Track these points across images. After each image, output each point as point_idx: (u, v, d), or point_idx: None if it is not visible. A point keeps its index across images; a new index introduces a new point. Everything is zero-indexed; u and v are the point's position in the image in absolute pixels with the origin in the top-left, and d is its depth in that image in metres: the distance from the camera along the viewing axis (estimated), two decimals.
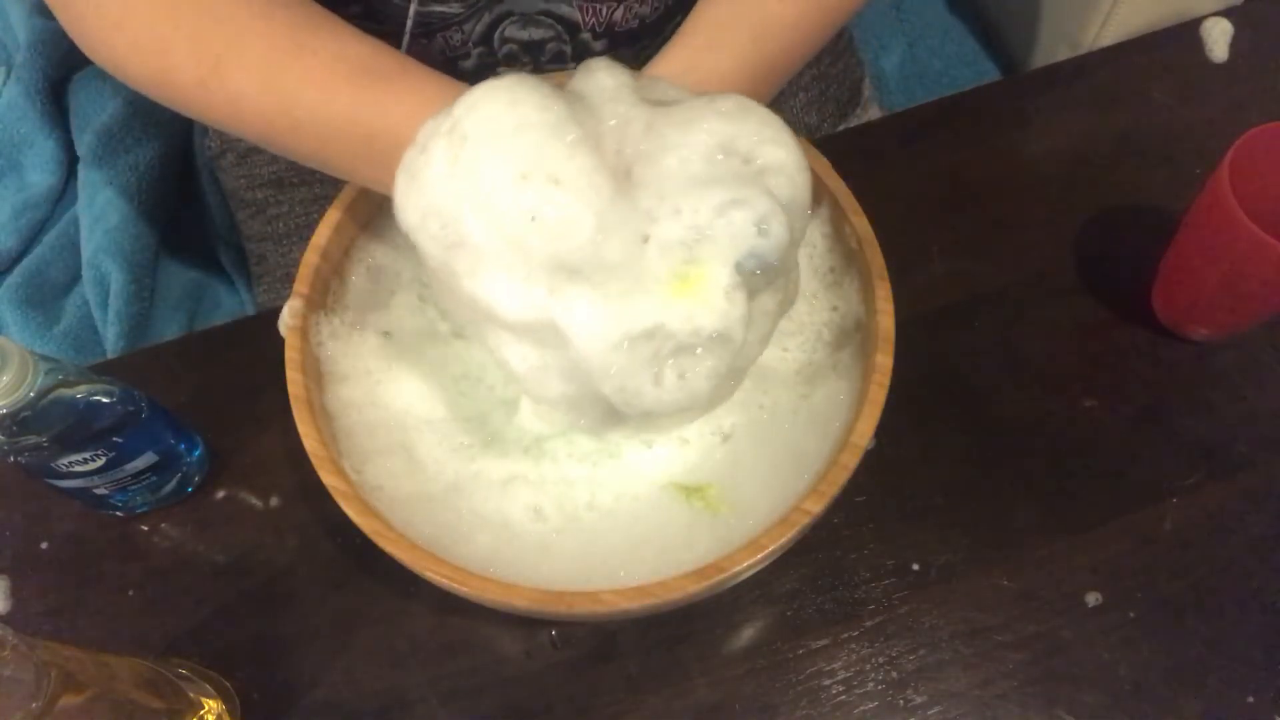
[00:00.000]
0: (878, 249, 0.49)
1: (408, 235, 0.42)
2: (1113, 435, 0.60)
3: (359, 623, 0.56)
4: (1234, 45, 0.73)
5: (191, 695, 0.49)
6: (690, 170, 0.40)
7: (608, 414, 0.43)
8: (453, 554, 0.43)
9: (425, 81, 0.46)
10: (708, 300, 0.39)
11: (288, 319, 0.47)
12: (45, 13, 0.90)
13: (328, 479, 0.44)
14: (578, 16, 0.60)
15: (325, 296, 0.50)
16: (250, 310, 0.84)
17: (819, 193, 0.52)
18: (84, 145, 0.84)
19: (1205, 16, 0.74)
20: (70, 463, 0.50)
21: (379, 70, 0.46)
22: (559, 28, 0.60)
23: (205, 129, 0.80)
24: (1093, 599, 0.55)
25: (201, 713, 0.49)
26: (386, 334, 0.51)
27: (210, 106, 0.48)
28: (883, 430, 0.45)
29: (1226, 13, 0.74)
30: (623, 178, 0.40)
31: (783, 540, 0.42)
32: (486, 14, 0.59)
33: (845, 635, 0.55)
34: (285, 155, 0.50)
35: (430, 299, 0.52)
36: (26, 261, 0.83)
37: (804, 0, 0.51)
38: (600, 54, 0.60)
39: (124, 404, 0.51)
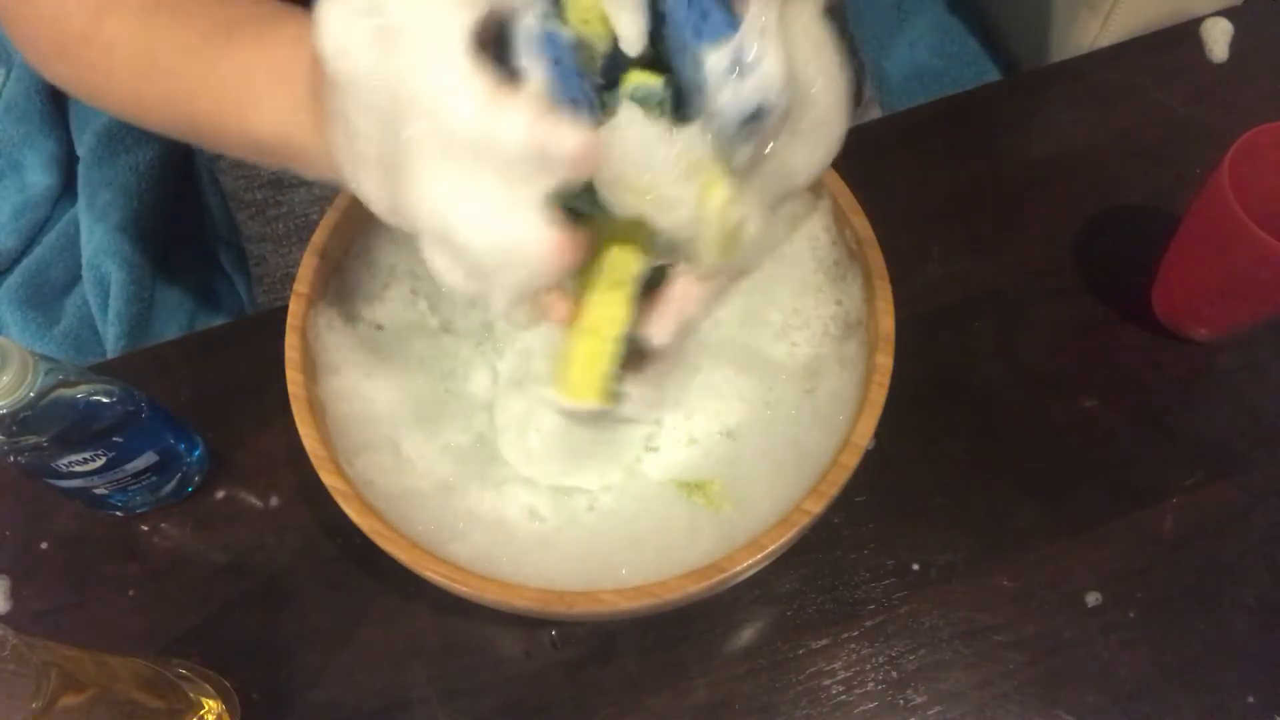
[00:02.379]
0: (878, 249, 0.49)
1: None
2: (1112, 435, 0.60)
3: (359, 623, 0.56)
4: (1234, 45, 0.73)
5: (191, 695, 0.49)
6: None
7: None
8: (449, 552, 0.43)
9: (289, 27, 0.43)
10: None
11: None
12: None
13: (328, 479, 0.44)
14: None
15: (323, 287, 0.50)
16: (250, 310, 0.84)
17: (818, 191, 0.52)
18: (84, 145, 0.84)
19: (1205, 16, 0.74)
20: (70, 463, 0.50)
21: (251, 18, 0.44)
22: None
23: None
24: (1093, 599, 0.55)
25: (201, 713, 0.49)
26: (379, 327, 0.51)
27: (89, 65, 0.48)
28: (883, 430, 0.45)
29: (1226, 13, 0.74)
30: None
31: (783, 540, 0.42)
32: None
33: (845, 635, 0.55)
34: (156, 118, 0.48)
35: (422, 291, 0.52)
36: (26, 261, 0.83)
37: None
38: None
39: (124, 404, 0.51)
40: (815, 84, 0.35)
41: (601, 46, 0.35)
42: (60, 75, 0.52)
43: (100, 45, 0.47)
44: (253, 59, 0.43)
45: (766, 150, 0.36)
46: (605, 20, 0.34)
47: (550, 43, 0.33)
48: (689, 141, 0.35)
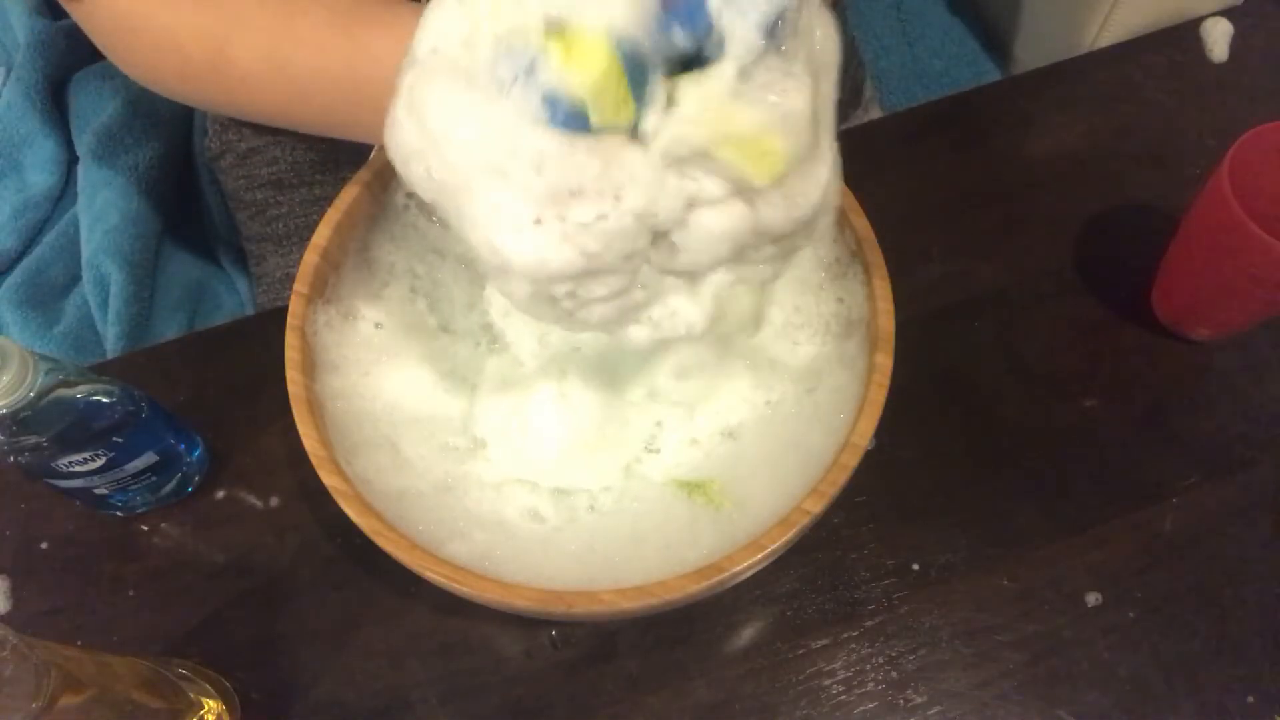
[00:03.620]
0: (878, 249, 0.49)
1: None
2: (1113, 435, 0.60)
3: (359, 623, 0.56)
4: (1234, 45, 0.73)
5: (191, 695, 0.49)
6: None
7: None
8: (449, 552, 0.43)
9: (408, 13, 0.44)
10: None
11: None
12: (45, 13, 0.90)
13: (328, 479, 0.44)
14: None
15: (322, 287, 0.50)
16: (250, 310, 0.84)
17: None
18: (84, 145, 0.84)
19: (1205, 16, 0.74)
20: (70, 463, 0.50)
21: (365, 14, 0.45)
22: None
23: (205, 129, 0.80)
24: (1093, 599, 0.55)
25: (201, 713, 0.49)
26: (378, 325, 0.51)
27: (225, 90, 0.49)
28: (883, 430, 0.45)
29: (1226, 13, 0.74)
30: None
31: (783, 540, 0.42)
32: None
33: (845, 635, 0.55)
34: (305, 128, 0.49)
35: (421, 290, 0.52)
36: (26, 261, 0.83)
37: None
38: None
39: (124, 404, 0.51)
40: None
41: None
42: (186, 97, 0.53)
43: (234, 74, 0.48)
44: (383, 48, 0.43)
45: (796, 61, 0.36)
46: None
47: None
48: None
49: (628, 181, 0.34)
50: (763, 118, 0.35)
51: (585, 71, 0.33)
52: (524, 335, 0.50)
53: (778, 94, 0.35)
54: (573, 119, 0.33)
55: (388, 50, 0.43)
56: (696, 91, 0.35)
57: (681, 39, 0.34)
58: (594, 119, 0.34)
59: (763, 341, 0.50)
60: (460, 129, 0.35)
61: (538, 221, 0.34)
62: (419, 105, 0.35)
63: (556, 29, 0.33)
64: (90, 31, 0.53)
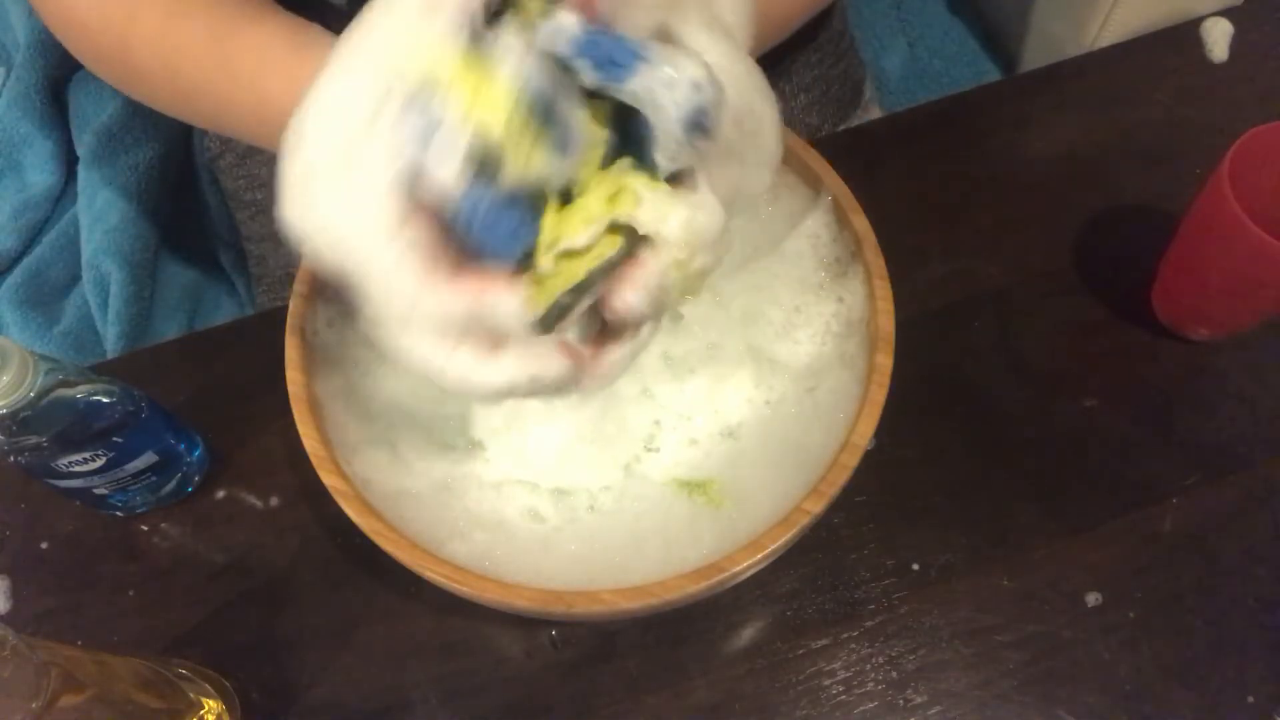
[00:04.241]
0: (878, 249, 0.49)
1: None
2: (1113, 435, 0.60)
3: (359, 623, 0.56)
4: (1234, 45, 0.73)
5: (191, 695, 0.49)
6: None
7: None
8: (449, 552, 0.43)
9: (278, 32, 0.44)
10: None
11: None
12: None
13: (328, 479, 0.44)
14: None
15: (322, 286, 0.50)
16: (250, 310, 0.84)
17: (819, 188, 0.52)
18: (83, 145, 0.84)
19: (1205, 16, 0.74)
20: (70, 463, 0.50)
21: (237, 29, 0.46)
22: None
23: (205, 129, 0.81)
24: (1093, 599, 0.55)
25: (201, 713, 0.49)
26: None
27: (129, 81, 0.51)
28: (883, 430, 0.45)
29: (1226, 13, 0.74)
30: None
31: (783, 540, 0.42)
32: None
33: (845, 635, 0.55)
34: (203, 127, 0.50)
35: None
36: (26, 261, 0.83)
37: None
38: None
39: (124, 404, 0.51)
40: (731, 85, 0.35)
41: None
42: (105, 76, 0.55)
43: (133, 65, 0.49)
44: (271, 32, 0.43)
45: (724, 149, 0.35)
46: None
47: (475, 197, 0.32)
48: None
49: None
50: (704, 259, 0.35)
51: (493, 111, 0.31)
52: None
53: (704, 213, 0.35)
54: (484, 169, 0.32)
55: (258, 74, 0.45)
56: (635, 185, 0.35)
57: (590, 75, 0.33)
58: (506, 167, 0.32)
59: (763, 341, 0.50)
60: (347, 228, 0.32)
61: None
62: (306, 199, 0.33)
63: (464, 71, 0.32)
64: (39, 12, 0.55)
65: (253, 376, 0.60)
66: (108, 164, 0.82)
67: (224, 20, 0.48)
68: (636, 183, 0.35)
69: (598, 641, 0.55)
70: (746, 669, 0.54)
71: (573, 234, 0.35)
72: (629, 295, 0.36)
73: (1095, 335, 0.63)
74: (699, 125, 0.33)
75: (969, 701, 0.53)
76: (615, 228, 0.35)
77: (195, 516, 0.59)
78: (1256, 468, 0.59)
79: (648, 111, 0.34)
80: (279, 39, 0.46)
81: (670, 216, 0.35)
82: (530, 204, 0.34)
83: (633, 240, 0.36)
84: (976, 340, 0.63)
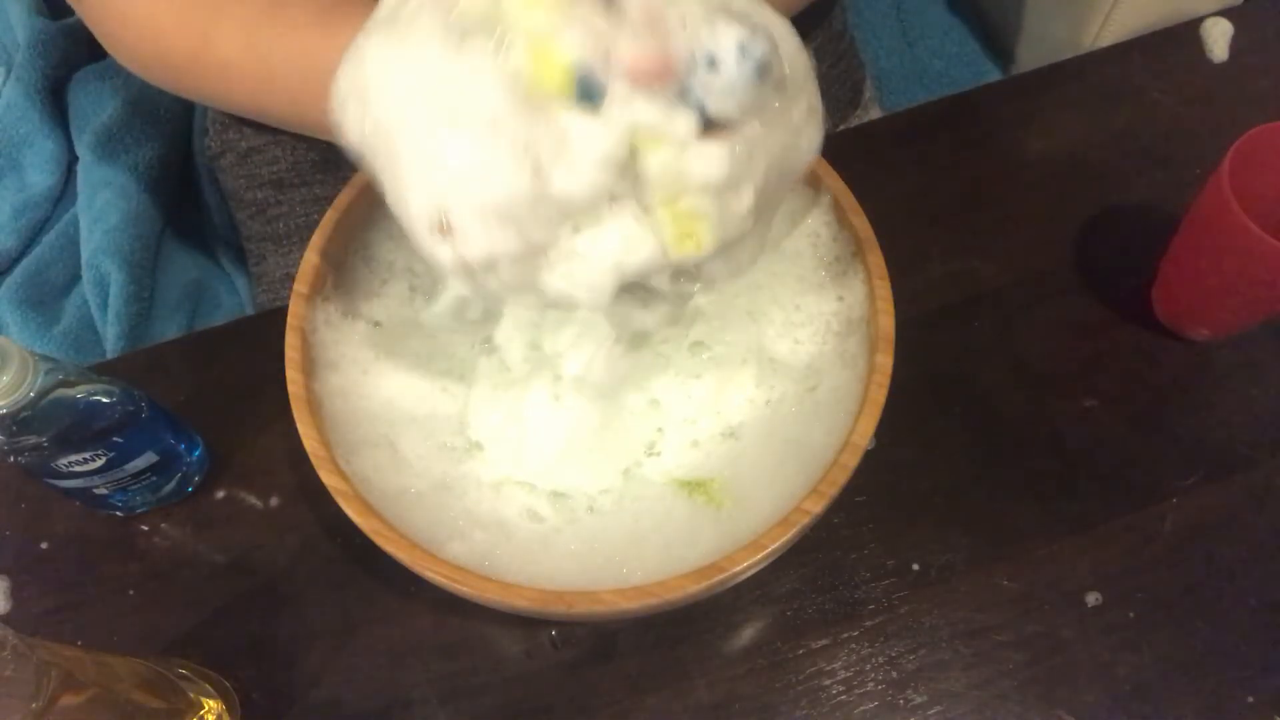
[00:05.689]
0: (878, 249, 0.49)
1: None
2: (1113, 435, 0.60)
3: (359, 623, 0.56)
4: (1234, 45, 0.73)
5: (191, 695, 0.49)
6: None
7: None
8: (449, 552, 0.43)
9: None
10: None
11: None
12: (45, 13, 0.90)
13: (328, 479, 0.44)
14: None
15: (322, 286, 0.50)
16: (250, 310, 0.84)
17: (819, 187, 0.52)
18: (84, 145, 0.84)
19: (1205, 16, 0.74)
20: (70, 463, 0.50)
21: (345, 10, 0.46)
22: None
23: (205, 129, 0.81)
24: (1093, 599, 0.55)
25: (201, 713, 0.49)
26: (376, 323, 0.51)
27: (203, 79, 0.50)
28: (883, 430, 0.45)
29: (1226, 13, 0.74)
30: None
31: (783, 540, 0.42)
32: None
33: (845, 635, 0.55)
34: (272, 119, 0.51)
35: (420, 288, 0.52)
36: (26, 261, 0.83)
37: None
38: None
39: (124, 404, 0.51)
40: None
41: None
42: (165, 84, 0.55)
43: (213, 65, 0.50)
44: (333, 61, 0.44)
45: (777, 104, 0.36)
46: None
47: None
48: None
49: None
50: (703, 205, 0.35)
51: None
52: (513, 341, 0.50)
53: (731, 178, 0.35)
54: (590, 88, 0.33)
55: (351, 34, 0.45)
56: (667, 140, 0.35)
57: None
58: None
59: (764, 340, 0.50)
60: (400, 80, 0.34)
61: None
62: (362, 53, 0.36)
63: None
64: (83, 16, 0.55)
65: (253, 376, 0.60)
66: (108, 164, 0.82)
67: (329, 4, 0.48)
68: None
69: (598, 641, 0.55)
70: (746, 669, 0.54)
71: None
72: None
73: (1095, 335, 0.63)
74: (764, 70, 0.34)
75: (969, 701, 0.53)
76: None
77: (195, 516, 0.59)
78: (1256, 468, 0.59)
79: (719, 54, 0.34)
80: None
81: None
82: None
83: None
84: (976, 340, 0.63)
